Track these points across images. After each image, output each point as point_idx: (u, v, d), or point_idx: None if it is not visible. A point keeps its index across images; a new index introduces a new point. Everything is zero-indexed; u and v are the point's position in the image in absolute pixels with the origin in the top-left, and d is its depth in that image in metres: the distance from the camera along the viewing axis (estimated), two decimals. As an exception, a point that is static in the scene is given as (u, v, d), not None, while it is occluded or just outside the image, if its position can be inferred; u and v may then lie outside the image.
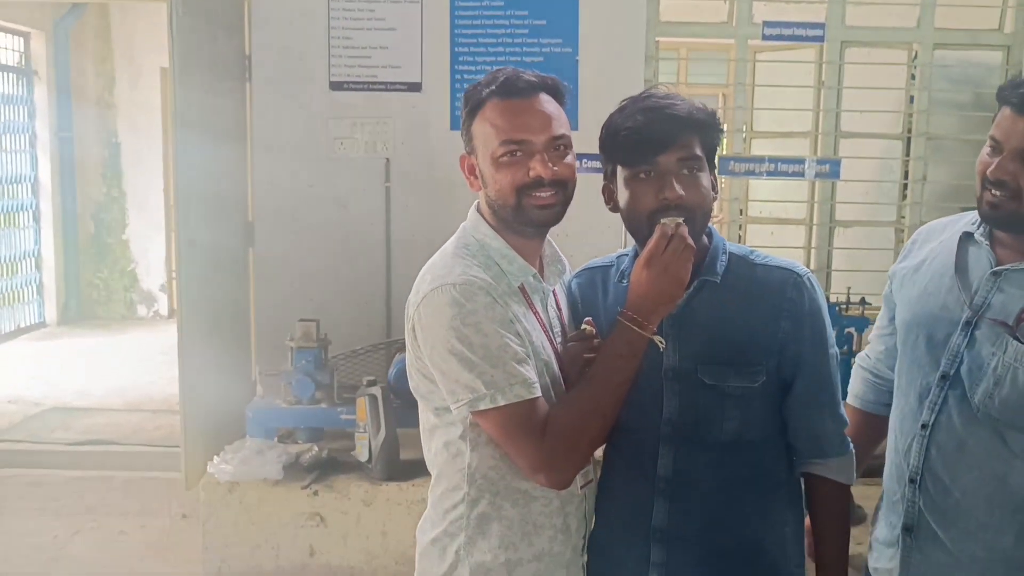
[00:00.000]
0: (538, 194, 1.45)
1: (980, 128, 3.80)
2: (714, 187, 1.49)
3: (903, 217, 4.13)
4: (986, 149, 1.47)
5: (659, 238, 1.40)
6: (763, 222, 4.43)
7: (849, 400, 1.79)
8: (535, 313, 1.50)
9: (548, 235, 1.57)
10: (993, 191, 1.43)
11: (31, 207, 7.77)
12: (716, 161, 1.52)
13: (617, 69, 3.76)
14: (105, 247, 8.10)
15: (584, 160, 3.81)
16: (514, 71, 1.50)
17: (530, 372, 1.41)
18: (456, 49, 3.77)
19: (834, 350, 1.52)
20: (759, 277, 1.49)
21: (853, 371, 1.81)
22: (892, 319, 1.65)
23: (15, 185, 7.59)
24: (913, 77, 4.01)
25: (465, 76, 3.75)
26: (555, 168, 1.45)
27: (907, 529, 1.53)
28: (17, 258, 7.65)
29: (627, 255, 1.60)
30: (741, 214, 4.21)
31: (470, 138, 1.51)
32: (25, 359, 6.69)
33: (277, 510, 3.36)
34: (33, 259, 7.84)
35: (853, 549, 1.95)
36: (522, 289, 1.49)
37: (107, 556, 3.60)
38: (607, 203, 1.55)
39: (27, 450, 4.59)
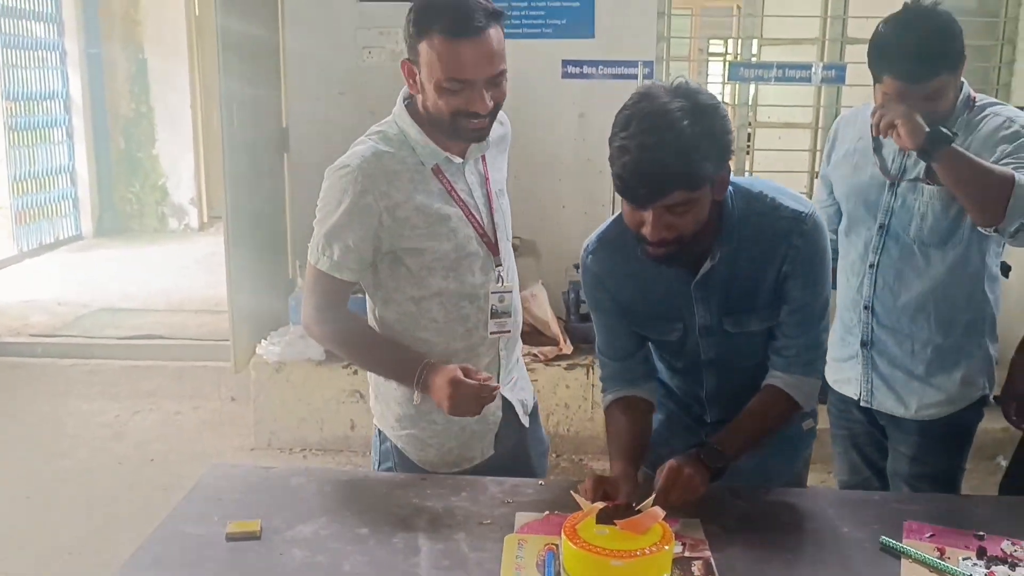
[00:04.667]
0: (472, 121, 1.61)
1: (983, 31, 3.97)
2: (723, 185, 1.51)
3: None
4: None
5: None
6: (771, 126, 4.61)
7: None
8: (449, 190, 1.70)
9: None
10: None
11: (64, 123, 8.00)
12: (733, 154, 1.51)
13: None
14: (136, 162, 8.33)
15: (600, 67, 4.06)
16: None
17: (346, 257, 1.65)
18: (479, -42, 3.91)
19: (827, 291, 1.66)
20: (767, 226, 1.59)
21: None
22: (830, 193, 2.12)
23: (48, 101, 7.82)
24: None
25: (488, -16, 3.92)
26: (491, 102, 1.60)
27: (863, 344, 2.04)
28: (53, 172, 7.91)
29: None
30: (750, 120, 4.41)
31: (415, 53, 1.59)
32: (66, 268, 7.01)
33: (321, 387, 3.71)
34: (68, 174, 8.10)
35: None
36: (437, 169, 1.69)
37: (166, 432, 3.97)
38: None
39: (83, 343, 4.92)
